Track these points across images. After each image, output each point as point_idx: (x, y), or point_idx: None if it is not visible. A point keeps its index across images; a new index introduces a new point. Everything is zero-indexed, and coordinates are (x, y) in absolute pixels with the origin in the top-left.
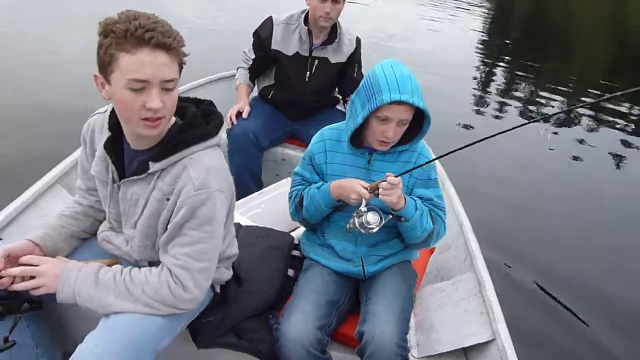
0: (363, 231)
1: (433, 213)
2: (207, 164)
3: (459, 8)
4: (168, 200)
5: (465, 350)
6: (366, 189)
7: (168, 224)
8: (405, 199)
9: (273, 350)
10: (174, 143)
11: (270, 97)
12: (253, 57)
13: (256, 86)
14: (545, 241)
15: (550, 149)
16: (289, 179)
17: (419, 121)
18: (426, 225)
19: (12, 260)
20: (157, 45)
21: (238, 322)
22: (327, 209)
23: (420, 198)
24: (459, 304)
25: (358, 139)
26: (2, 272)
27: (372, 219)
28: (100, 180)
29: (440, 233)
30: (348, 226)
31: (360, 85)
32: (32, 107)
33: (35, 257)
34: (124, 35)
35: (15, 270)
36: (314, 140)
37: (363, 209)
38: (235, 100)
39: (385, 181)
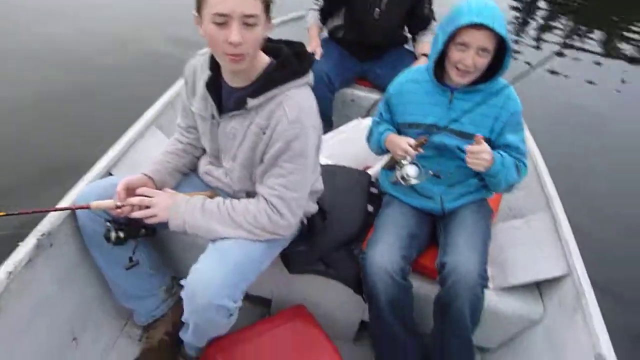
0: (404, 183)
1: (519, 162)
2: (300, 100)
3: None
4: (264, 133)
5: (539, 285)
6: (411, 146)
7: (263, 156)
8: (493, 157)
9: (357, 278)
10: (269, 80)
11: (340, 36)
12: None
13: (325, 27)
14: (622, 182)
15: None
16: (359, 120)
17: (500, 59)
18: (510, 178)
19: (130, 192)
20: None
21: (325, 251)
22: (385, 154)
23: (508, 146)
24: (533, 240)
25: (440, 76)
26: (124, 201)
27: (411, 172)
28: (200, 117)
29: (522, 178)
30: (391, 179)
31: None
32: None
33: (150, 189)
34: None
35: (134, 200)
36: (393, 81)
37: (403, 161)
38: (306, 41)
39: (412, 146)
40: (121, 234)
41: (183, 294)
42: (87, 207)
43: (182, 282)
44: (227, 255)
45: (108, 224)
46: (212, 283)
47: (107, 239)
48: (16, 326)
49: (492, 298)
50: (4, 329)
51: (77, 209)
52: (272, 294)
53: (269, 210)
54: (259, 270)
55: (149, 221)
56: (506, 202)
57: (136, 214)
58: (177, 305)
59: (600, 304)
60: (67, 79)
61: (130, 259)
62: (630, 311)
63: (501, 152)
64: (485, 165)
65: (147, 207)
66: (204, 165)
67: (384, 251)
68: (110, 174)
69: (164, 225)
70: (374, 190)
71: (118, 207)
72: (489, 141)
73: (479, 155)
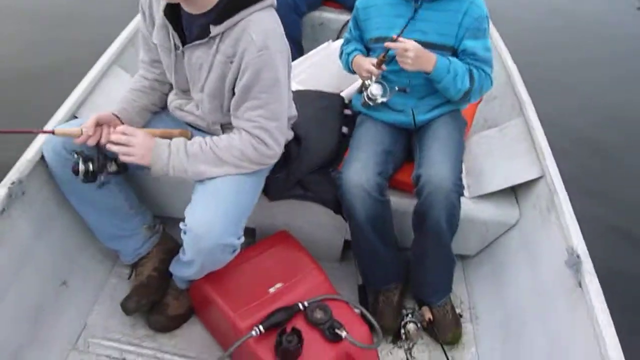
0: (372, 104)
1: (476, 69)
2: (266, 25)
3: None
4: (232, 62)
5: (515, 190)
6: (374, 65)
7: (234, 87)
8: (436, 61)
9: (336, 198)
10: (232, 4)
11: None
12: None
13: None
14: (598, 87)
15: None
16: (329, 43)
17: None
18: (460, 86)
19: (99, 129)
20: None
21: (302, 176)
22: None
23: (464, 52)
24: (507, 148)
25: None
26: (112, 132)
27: (376, 90)
28: (163, 48)
29: (484, 88)
30: (361, 102)
31: None
32: None
33: (131, 128)
34: None
35: (113, 136)
36: None
37: (367, 82)
38: None
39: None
40: (90, 167)
41: (185, 237)
42: (52, 132)
43: (181, 225)
44: (221, 193)
45: (75, 155)
46: (215, 225)
47: (75, 172)
48: (3, 277)
49: (469, 207)
50: None
51: (40, 132)
52: (255, 223)
53: (254, 143)
54: (254, 202)
55: (125, 159)
56: (481, 113)
57: (115, 148)
58: (162, 242)
59: (573, 202)
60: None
61: (102, 184)
62: (603, 206)
63: (450, 57)
64: (417, 65)
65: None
66: (173, 100)
67: (360, 169)
68: (75, 117)
69: (140, 166)
70: (347, 112)
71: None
72: (454, 52)
73: (404, 54)
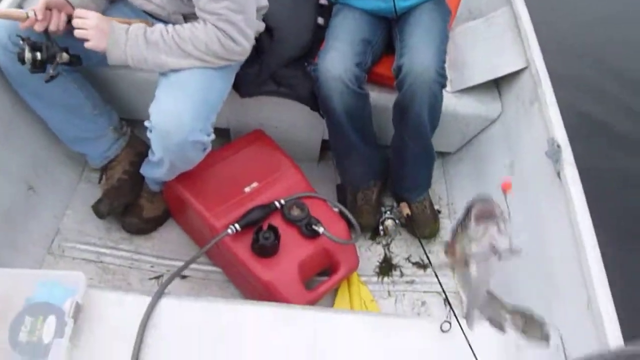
0: None
1: None
2: None
3: None
4: None
5: (498, 84)
6: None
7: None
8: None
9: (312, 93)
10: None
11: None
12: None
13: None
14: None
15: None
16: None
17: None
18: None
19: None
20: None
21: (275, 69)
22: None
23: None
24: (492, 39)
25: None
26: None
27: None
28: None
29: None
30: None
31: None
32: None
33: (83, 10)
34: None
35: (63, 17)
36: None
37: None
38: None
39: None
40: (38, 55)
41: (151, 135)
42: None
43: (146, 123)
44: (188, 87)
45: (21, 42)
46: (182, 120)
47: (21, 60)
48: None
49: (450, 101)
50: None
51: None
52: (229, 123)
53: (220, 37)
54: (223, 98)
55: (86, 45)
56: (466, 3)
57: (78, 32)
58: (131, 145)
59: (557, 96)
60: None
61: (51, 77)
62: (587, 104)
63: None
64: None
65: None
66: None
67: (336, 59)
68: (21, 8)
69: (100, 60)
70: (323, 1)
71: (31, 17)
72: None
73: None
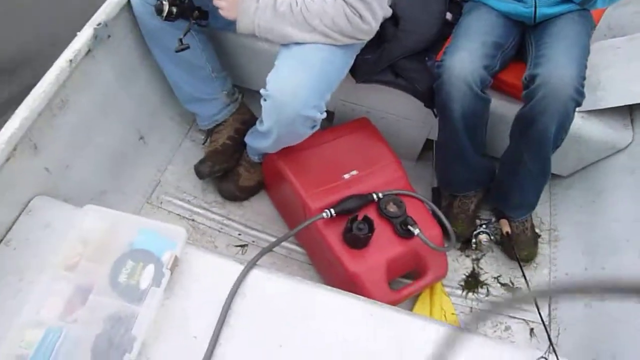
0: None
1: None
2: None
3: None
4: None
5: (632, 111)
6: None
7: None
8: None
9: (429, 89)
10: None
11: None
12: None
13: None
14: None
15: None
16: None
17: None
18: None
19: None
20: None
21: (395, 59)
22: None
23: None
24: (634, 61)
25: None
26: None
27: None
28: None
29: None
30: None
31: None
32: None
33: None
34: None
35: None
36: None
37: None
38: None
39: None
40: (174, 9)
41: (265, 103)
42: None
43: (262, 91)
44: (309, 61)
45: None
46: (299, 93)
47: (159, 11)
48: (86, 120)
49: (576, 122)
50: (75, 120)
51: None
52: (335, 106)
53: (348, 12)
54: (340, 78)
55: (220, 12)
56: (606, 19)
57: None
58: (239, 112)
59: None
60: None
61: (181, 41)
62: None
63: None
64: None
65: None
66: None
67: (465, 58)
68: None
69: (226, 24)
70: None
71: None
72: None
73: None
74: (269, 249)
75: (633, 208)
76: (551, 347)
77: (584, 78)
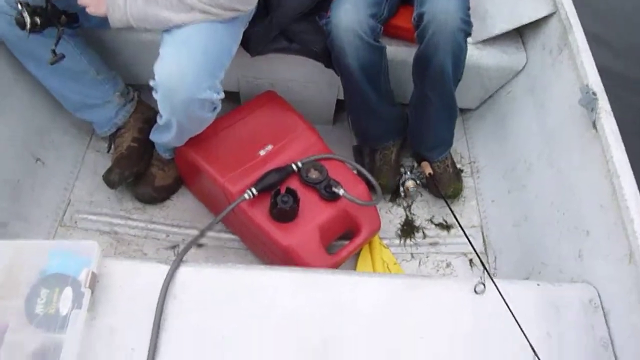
0: None
1: None
2: None
3: None
4: None
5: (521, 32)
6: None
7: None
8: None
9: (326, 49)
10: None
11: None
12: None
13: None
14: None
15: None
16: None
17: None
18: None
19: None
20: None
21: (285, 25)
22: None
23: None
24: None
25: None
26: None
27: None
28: None
29: None
30: None
31: None
32: None
33: None
34: None
35: None
36: None
37: None
38: None
39: None
40: (37, 19)
41: (157, 95)
42: None
43: (151, 82)
44: (191, 42)
45: (19, 6)
46: (187, 76)
47: (21, 25)
48: None
49: (472, 53)
50: None
51: None
52: (239, 85)
53: None
54: (231, 54)
55: (87, 10)
56: None
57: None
58: (139, 110)
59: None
60: None
61: (54, 52)
62: (621, 57)
63: None
64: None
65: None
66: None
67: (350, 10)
68: None
69: (100, 21)
70: None
71: None
72: None
73: None
74: (193, 242)
75: (535, 123)
76: (485, 272)
77: (468, 8)
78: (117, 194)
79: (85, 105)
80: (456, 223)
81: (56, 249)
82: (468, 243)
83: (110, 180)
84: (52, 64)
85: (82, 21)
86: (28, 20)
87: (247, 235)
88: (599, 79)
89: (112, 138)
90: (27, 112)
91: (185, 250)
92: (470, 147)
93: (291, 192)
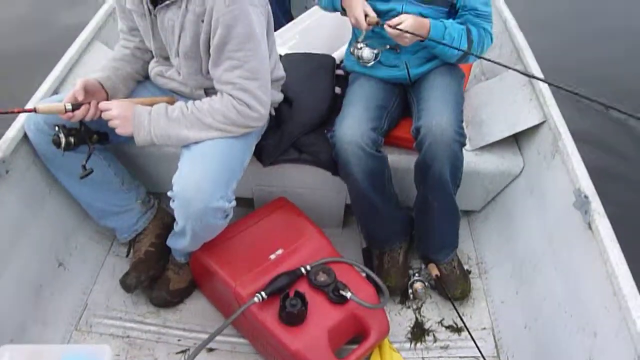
0: (360, 62)
1: (475, 27)
2: None
3: None
4: (202, 21)
5: (517, 138)
6: (367, 15)
7: (209, 47)
8: (430, 27)
9: (332, 159)
10: None
11: None
12: None
13: None
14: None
15: None
16: (318, 7)
17: None
18: (456, 51)
19: (88, 95)
20: None
21: (296, 138)
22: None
23: (464, 7)
24: (507, 96)
25: None
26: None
27: (367, 56)
28: (137, 13)
29: (485, 46)
30: (351, 50)
31: None
32: None
33: (107, 102)
34: None
35: (92, 110)
36: None
37: (359, 44)
38: None
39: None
40: (71, 139)
41: (174, 204)
42: (34, 110)
43: (169, 193)
44: (208, 156)
45: (57, 128)
46: (202, 187)
47: (57, 144)
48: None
49: (471, 159)
50: None
51: (21, 112)
52: (253, 192)
53: (236, 105)
54: (243, 165)
55: (117, 131)
56: (479, 66)
57: (105, 114)
58: (158, 217)
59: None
60: None
61: (84, 167)
62: (609, 154)
63: (445, 21)
64: (413, 39)
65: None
66: (154, 68)
67: (352, 124)
68: (57, 94)
69: (127, 138)
70: (340, 72)
71: (68, 110)
72: (453, 7)
73: (400, 35)
74: (201, 348)
75: (537, 223)
76: None
77: (461, 120)
78: (133, 297)
79: (109, 212)
80: (466, 326)
81: (69, 353)
82: (479, 344)
83: (127, 284)
84: (81, 178)
85: (111, 138)
86: (63, 140)
87: (257, 339)
88: (590, 182)
89: (132, 243)
90: (56, 218)
91: (193, 356)
92: (477, 248)
93: (299, 296)
